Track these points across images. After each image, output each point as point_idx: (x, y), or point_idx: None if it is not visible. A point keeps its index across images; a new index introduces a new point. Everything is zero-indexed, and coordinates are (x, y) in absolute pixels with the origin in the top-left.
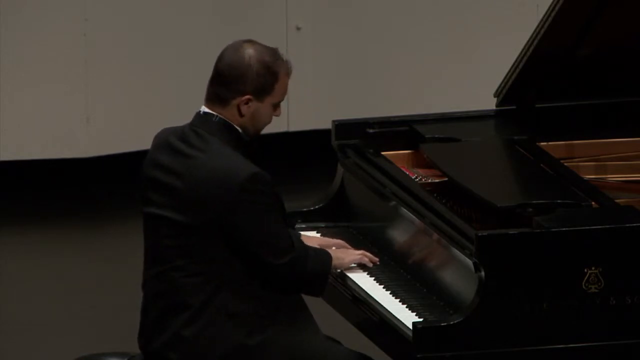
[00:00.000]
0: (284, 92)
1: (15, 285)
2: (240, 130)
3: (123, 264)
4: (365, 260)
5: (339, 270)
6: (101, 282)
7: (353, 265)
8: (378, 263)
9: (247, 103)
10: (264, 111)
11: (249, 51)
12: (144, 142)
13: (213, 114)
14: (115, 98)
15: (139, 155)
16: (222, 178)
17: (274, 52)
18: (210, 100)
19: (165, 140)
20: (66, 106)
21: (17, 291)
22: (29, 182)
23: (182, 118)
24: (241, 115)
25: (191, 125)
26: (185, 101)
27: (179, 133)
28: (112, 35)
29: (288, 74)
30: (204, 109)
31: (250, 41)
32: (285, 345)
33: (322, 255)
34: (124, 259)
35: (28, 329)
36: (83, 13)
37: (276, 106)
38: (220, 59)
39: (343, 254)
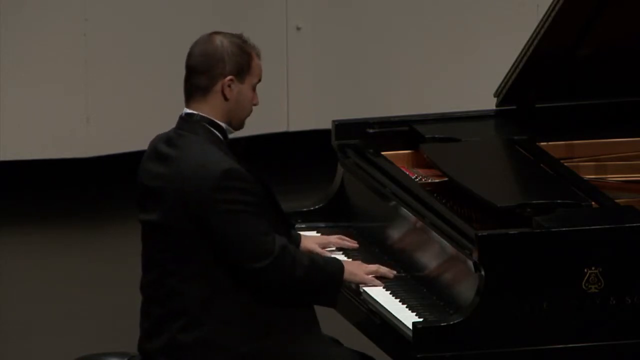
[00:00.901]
0: (260, 73)
1: (15, 285)
2: (223, 125)
3: (123, 264)
4: (377, 283)
5: (353, 286)
6: (101, 282)
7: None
8: (393, 276)
9: (229, 85)
10: (246, 93)
11: (218, 37)
12: (144, 142)
13: (194, 113)
14: (115, 98)
15: (139, 155)
16: (196, 176)
17: (241, 36)
18: (190, 96)
19: (154, 148)
20: (66, 106)
21: (17, 291)
22: (29, 182)
23: None
24: (226, 99)
25: (175, 128)
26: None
27: (165, 138)
28: (112, 35)
29: (259, 55)
30: (186, 110)
31: (215, 32)
32: (283, 354)
33: (330, 267)
34: (124, 259)
35: (28, 329)
36: (83, 13)
37: (254, 88)
38: (190, 54)
39: (357, 269)
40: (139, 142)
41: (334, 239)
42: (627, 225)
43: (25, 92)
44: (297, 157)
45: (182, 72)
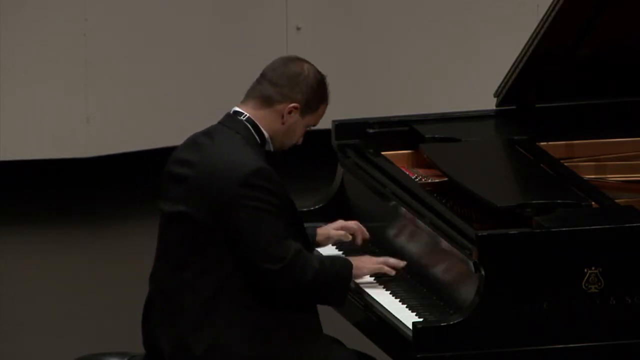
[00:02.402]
0: (319, 120)
1: (15, 285)
2: (266, 134)
3: (123, 264)
4: (386, 270)
5: (352, 285)
6: (101, 282)
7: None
8: (402, 266)
9: (290, 112)
10: (298, 129)
11: (307, 65)
12: (144, 142)
13: (243, 113)
14: (115, 98)
15: (139, 155)
16: (226, 170)
17: (325, 77)
18: (251, 99)
19: (191, 139)
20: (66, 106)
21: (17, 291)
22: (29, 182)
23: (181, 118)
24: (282, 122)
25: (219, 122)
26: (185, 101)
27: (206, 131)
28: (112, 35)
29: (328, 103)
30: (236, 108)
31: (304, 59)
32: (284, 357)
33: (338, 265)
34: (124, 259)
35: (28, 329)
36: (83, 13)
37: (307, 129)
38: (273, 63)
39: (364, 262)
40: (139, 142)
41: (350, 224)
42: (627, 225)
43: (25, 92)
44: (297, 157)
45: (183, 72)
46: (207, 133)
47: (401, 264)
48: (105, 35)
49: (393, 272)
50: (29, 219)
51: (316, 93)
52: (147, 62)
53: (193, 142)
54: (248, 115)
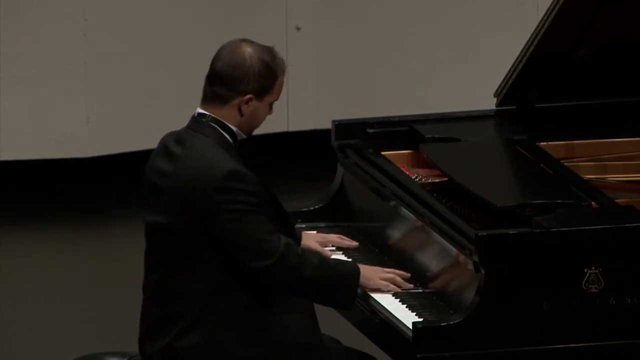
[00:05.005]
0: (280, 91)
1: (15, 285)
2: (234, 129)
3: (123, 264)
4: (391, 288)
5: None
6: (101, 282)
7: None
8: (409, 287)
9: (247, 102)
10: (262, 110)
11: (249, 50)
12: (144, 142)
13: (206, 114)
14: (115, 98)
15: (139, 155)
16: (200, 177)
17: (271, 51)
18: (207, 100)
19: (164, 145)
20: (66, 106)
21: (16, 291)
22: (29, 182)
23: (181, 118)
24: (241, 114)
25: (187, 127)
26: (185, 101)
27: (175, 136)
28: (112, 35)
29: (284, 72)
30: (199, 110)
31: (246, 40)
32: (283, 358)
33: (344, 268)
34: (124, 259)
35: (28, 329)
36: (83, 13)
37: (271, 105)
38: (217, 58)
39: (373, 274)
40: (139, 142)
41: (334, 237)
42: (627, 225)
43: (25, 92)
44: (297, 157)
45: (183, 72)
46: (178, 139)
47: (407, 285)
48: (105, 35)
49: (398, 290)
50: (29, 219)
51: (265, 76)
52: (147, 63)
53: (167, 151)
54: (211, 114)
